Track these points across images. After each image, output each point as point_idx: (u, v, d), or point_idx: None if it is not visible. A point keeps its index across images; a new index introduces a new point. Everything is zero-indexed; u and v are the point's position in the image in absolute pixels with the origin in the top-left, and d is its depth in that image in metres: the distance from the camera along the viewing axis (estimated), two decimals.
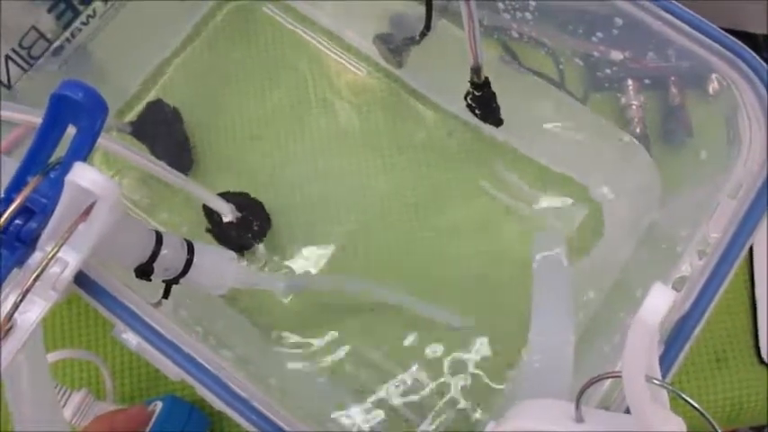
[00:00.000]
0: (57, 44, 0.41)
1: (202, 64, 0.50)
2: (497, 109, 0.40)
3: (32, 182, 0.23)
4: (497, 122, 0.41)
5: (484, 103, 0.39)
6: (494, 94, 0.39)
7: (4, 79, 0.39)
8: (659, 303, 0.20)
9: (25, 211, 0.24)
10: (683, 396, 0.21)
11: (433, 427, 0.42)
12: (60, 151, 0.26)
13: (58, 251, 0.23)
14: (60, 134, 0.24)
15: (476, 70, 0.36)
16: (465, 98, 0.40)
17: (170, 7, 0.48)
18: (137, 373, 0.44)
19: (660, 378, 0.22)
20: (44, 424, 0.28)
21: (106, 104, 0.23)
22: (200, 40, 0.50)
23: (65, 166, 0.24)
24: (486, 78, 0.37)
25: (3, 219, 0.23)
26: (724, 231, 0.28)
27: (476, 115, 0.41)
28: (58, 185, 0.23)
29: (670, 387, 0.22)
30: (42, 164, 0.24)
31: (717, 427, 0.22)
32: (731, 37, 0.32)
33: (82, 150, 0.24)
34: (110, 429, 0.33)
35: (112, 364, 0.44)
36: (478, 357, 0.43)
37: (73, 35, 0.42)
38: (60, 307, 0.45)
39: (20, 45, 0.39)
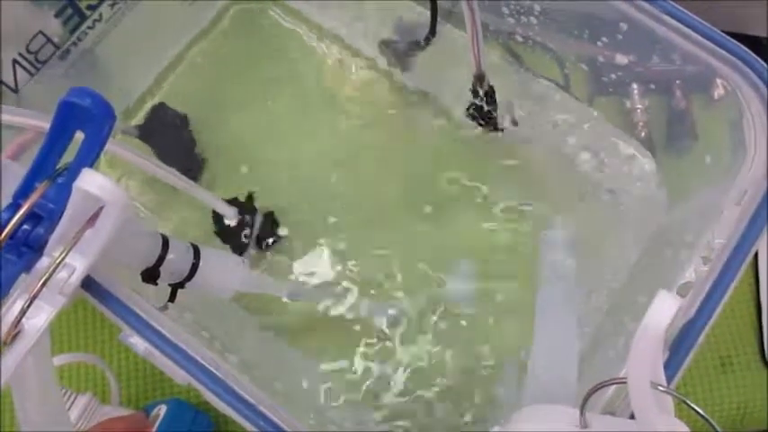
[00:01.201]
0: (63, 48, 0.41)
1: (208, 67, 0.50)
2: (495, 118, 0.40)
3: (40, 188, 0.23)
4: (497, 129, 0.41)
5: (485, 112, 0.39)
6: (495, 104, 0.39)
7: (12, 83, 0.39)
8: (664, 311, 0.20)
9: (33, 217, 0.24)
10: (689, 403, 0.21)
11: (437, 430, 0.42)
12: (68, 156, 0.26)
13: (65, 257, 0.23)
14: (68, 140, 0.24)
15: (479, 78, 0.36)
16: (467, 109, 0.40)
17: (176, 11, 0.49)
18: (142, 376, 0.44)
19: (665, 384, 0.22)
20: (51, 428, 0.28)
21: (113, 111, 0.23)
22: (206, 43, 0.50)
23: (72, 171, 0.24)
24: (491, 87, 0.37)
25: (10, 224, 0.23)
26: (729, 238, 0.28)
27: (479, 125, 0.41)
28: (65, 191, 0.23)
29: (675, 394, 0.22)
30: (50, 169, 0.25)
31: None
32: (735, 42, 0.31)
33: (89, 156, 0.24)
34: None
35: (117, 368, 0.44)
36: (482, 361, 0.43)
37: (80, 39, 0.42)
38: (66, 311, 0.45)
39: (27, 50, 0.39)
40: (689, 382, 0.44)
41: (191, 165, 0.47)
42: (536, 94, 0.44)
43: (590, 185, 0.46)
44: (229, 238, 0.44)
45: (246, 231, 0.44)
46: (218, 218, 0.44)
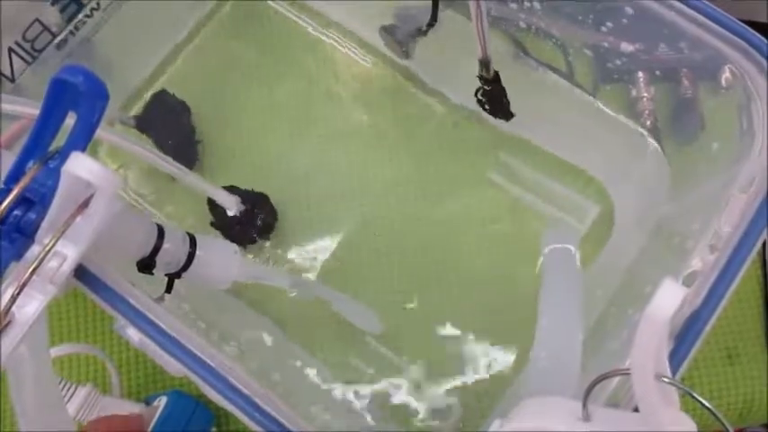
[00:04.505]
0: (61, 37, 0.41)
1: (208, 56, 0.50)
2: (507, 104, 0.39)
3: (30, 171, 0.23)
4: (507, 117, 0.40)
5: (494, 98, 0.38)
6: (503, 89, 0.38)
7: (8, 72, 0.39)
8: (669, 299, 0.19)
9: (25, 202, 0.24)
10: (694, 395, 0.21)
11: (439, 425, 0.41)
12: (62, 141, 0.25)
13: (55, 244, 0.22)
14: (60, 121, 0.24)
15: (484, 63, 0.35)
16: (475, 94, 0.39)
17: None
18: (142, 367, 0.44)
19: (670, 375, 0.21)
20: (47, 419, 0.28)
21: (106, 90, 0.23)
22: (206, 32, 0.50)
23: (64, 154, 0.23)
24: (496, 73, 0.37)
25: (0, 209, 0.22)
26: (736, 226, 0.28)
27: (485, 110, 0.40)
28: (57, 175, 0.23)
29: (680, 385, 0.21)
30: (42, 152, 0.24)
31: (729, 428, 0.21)
32: (744, 25, 0.31)
33: (81, 138, 0.23)
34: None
35: (118, 359, 0.44)
36: (484, 354, 0.42)
37: (77, 28, 0.41)
38: (66, 301, 0.45)
39: (23, 38, 0.39)
40: (695, 373, 0.44)
41: (190, 154, 0.46)
42: (539, 81, 0.43)
43: (594, 175, 0.45)
44: (227, 227, 0.43)
45: (246, 221, 0.43)
46: (214, 208, 0.43)
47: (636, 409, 0.24)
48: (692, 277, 0.28)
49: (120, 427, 0.35)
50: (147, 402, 0.41)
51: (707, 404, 0.21)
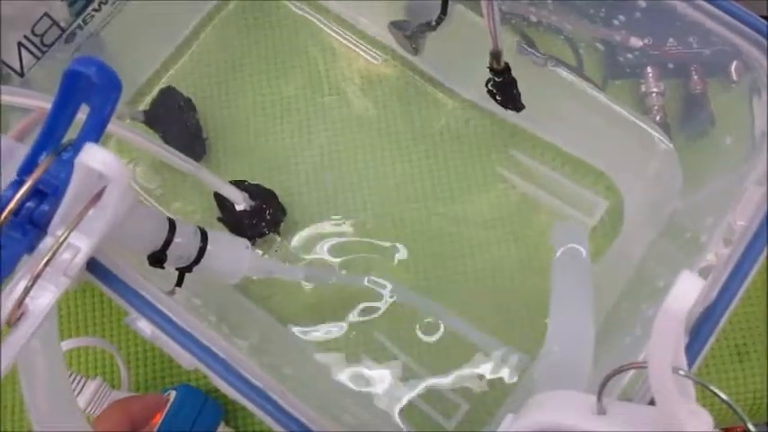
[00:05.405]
0: (69, 31, 0.41)
1: (215, 52, 0.49)
2: (518, 95, 0.39)
3: (43, 163, 0.23)
4: (517, 108, 0.40)
5: (504, 89, 0.38)
6: (514, 80, 0.38)
7: (17, 67, 0.39)
8: (687, 291, 0.19)
9: (38, 194, 0.24)
10: (712, 389, 0.21)
11: (450, 421, 0.41)
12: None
13: (68, 236, 0.22)
14: (73, 113, 0.24)
15: (495, 55, 0.35)
16: (486, 84, 0.39)
17: None
18: (151, 362, 0.44)
19: (687, 368, 0.21)
20: (59, 411, 0.27)
21: (120, 81, 0.23)
22: (213, 27, 0.50)
23: (77, 146, 0.23)
24: (507, 64, 0.36)
25: (14, 201, 0.22)
26: (751, 218, 0.28)
27: (496, 101, 0.40)
28: (70, 167, 0.23)
29: (697, 379, 0.21)
30: (55, 144, 0.24)
31: (747, 421, 0.21)
32: (756, 16, 0.31)
33: (94, 130, 0.23)
34: (127, 414, 0.33)
35: (127, 353, 0.44)
36: (493, 349, 0.42)
37: (85, 22, 0.41)
38: (74, 295, 0.45)
39: (32, 32, 0.39)
40: (704, 371, 0.43)
41: (197, 149, 0.46)
42: (549, 76, 0.43)
43: (605, 170, 0.45)
44: (236, 222, 0.43)
45: (254, 216, 0.43)
46: (222, 203, 0.43)
47: (650, 403, 0.24)
48: (706, 271, 0.28)
49: (139, 406, 0.35)
50: None
51: (725, 397, 0.21)
